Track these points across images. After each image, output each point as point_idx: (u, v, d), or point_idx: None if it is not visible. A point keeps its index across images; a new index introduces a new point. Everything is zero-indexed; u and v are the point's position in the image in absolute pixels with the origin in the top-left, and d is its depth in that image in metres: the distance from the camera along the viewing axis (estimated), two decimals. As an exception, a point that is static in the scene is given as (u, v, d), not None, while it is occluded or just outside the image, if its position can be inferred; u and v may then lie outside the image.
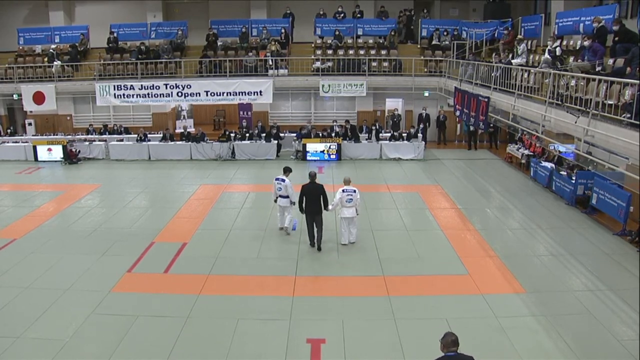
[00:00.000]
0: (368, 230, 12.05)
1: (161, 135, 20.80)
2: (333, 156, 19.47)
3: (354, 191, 10.86)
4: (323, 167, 18.19)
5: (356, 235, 11.28)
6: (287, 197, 11.39)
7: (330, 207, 10.87)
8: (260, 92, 20.83)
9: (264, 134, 20.40)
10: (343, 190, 10.79)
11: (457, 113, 18.12)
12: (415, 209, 13.92)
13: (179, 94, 20.87)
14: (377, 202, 14.30)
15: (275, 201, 11.73)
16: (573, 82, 10.82)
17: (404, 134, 20.26)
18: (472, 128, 20.02)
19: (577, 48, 14.46)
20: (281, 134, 20.47)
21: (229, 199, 14.90)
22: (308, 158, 19.38)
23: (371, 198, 14.41)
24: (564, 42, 16.19)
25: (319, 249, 10.84)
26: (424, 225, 12.58)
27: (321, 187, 10.77)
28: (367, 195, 14.44)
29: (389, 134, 20.30)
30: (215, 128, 24.39)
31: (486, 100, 14.66)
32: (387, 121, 22.76)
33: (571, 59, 12.89)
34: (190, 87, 20.78)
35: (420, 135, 20.12)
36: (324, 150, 19.51)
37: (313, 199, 10.67)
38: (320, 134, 20.08)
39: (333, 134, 20.12)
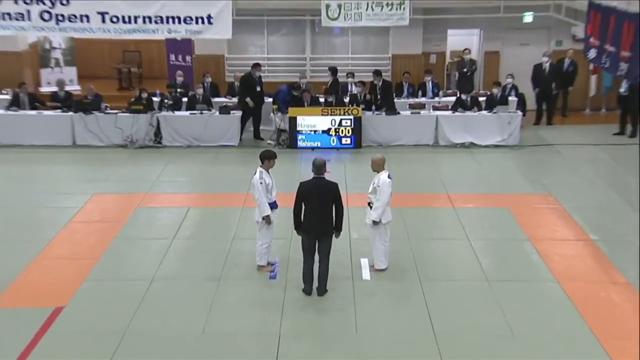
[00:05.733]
0: (414, 278, 8.86)
1: (9, 97, 14.51)
2: (346, 141, 13.50)
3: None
4: (329, 161, 13.42)
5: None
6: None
7: (375, 214, 7.77)
8: (209, 17, 14.43)
9: (217, 99, 15.05)
10: (389, 176, 8.09)
11: (592, 54, 12.93)
12: (503, 240, 10.70)
13: (45, 17, 14.00)
14: (430, 226, 11.16)
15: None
16: None
17: (481, 99, 14.02)
18: (623, 89, 13.70)
19: None
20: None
21: (149, 221, 11.33)
22: (300, 144, 13.34)
23: (420, 218, 11.29)
24: None
25: (321, 292, 7.77)
26: (523, 273, 9.28)
27: (334, 185, 7.67)
28: (412, 213, 11.30)
29: (455, 99, 14.26)
30: (121, 87, 17.93)
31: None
32: (450, 74, 17.12)
33: None
34: (69, 2, 13.70)
35: (515, 99, 14.24)
36: (329, 130, 13.24)
37: (318, 207, 7.57)
38: (325, 100, 14.16)
39: (347, 99, 14.15)
